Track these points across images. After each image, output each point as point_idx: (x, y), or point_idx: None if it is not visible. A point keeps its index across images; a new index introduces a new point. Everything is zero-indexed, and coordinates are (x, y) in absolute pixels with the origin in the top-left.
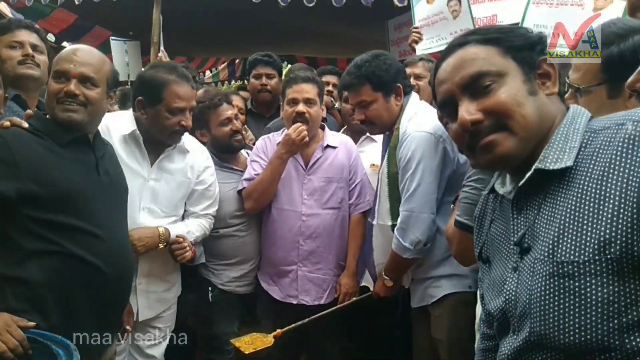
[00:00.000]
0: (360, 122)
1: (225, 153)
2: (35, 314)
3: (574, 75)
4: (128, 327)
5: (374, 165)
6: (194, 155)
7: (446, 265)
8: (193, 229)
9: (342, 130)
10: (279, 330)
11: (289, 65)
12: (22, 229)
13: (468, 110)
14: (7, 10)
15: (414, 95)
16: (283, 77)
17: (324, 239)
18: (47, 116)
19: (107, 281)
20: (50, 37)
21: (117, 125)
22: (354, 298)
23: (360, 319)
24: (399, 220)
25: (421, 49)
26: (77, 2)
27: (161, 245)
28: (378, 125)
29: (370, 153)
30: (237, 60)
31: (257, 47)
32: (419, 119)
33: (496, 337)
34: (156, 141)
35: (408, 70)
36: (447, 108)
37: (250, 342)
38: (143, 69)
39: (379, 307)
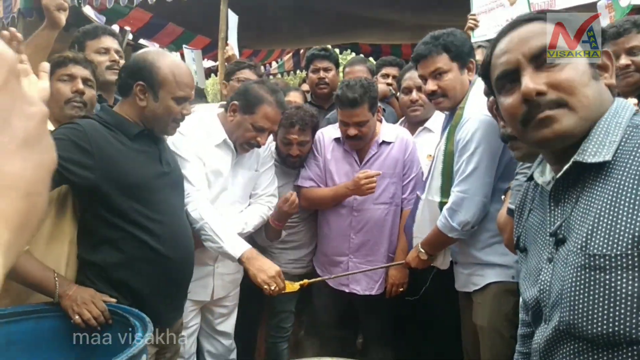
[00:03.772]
0: (431, 93)
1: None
2: (112, 292)
3: None
4: None
5: (430, 156)
6: (256, 150)
7: (490, 254)
8: (250, 219)
9: (399, 122)
10: (305, 281)
11: (353, 53)
12: (96, 216)
13: (534, 80)
14: (91, 13)
15: (479, 79)
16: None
17: (374, 232)
18: (114, 110)
19: (170, 264)
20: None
21: (210, 131)
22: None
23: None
24: (450, 200)
25: (478, 36)
26: (150, 2)
27: None
28: (450, 98)
29: (427, 144)
30: (302, 51)
31: (320, 36)
32: (482, 102)
33: (531, 324)
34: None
35: None
36: (507, 79)
37: None
38: (251, 81)
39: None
